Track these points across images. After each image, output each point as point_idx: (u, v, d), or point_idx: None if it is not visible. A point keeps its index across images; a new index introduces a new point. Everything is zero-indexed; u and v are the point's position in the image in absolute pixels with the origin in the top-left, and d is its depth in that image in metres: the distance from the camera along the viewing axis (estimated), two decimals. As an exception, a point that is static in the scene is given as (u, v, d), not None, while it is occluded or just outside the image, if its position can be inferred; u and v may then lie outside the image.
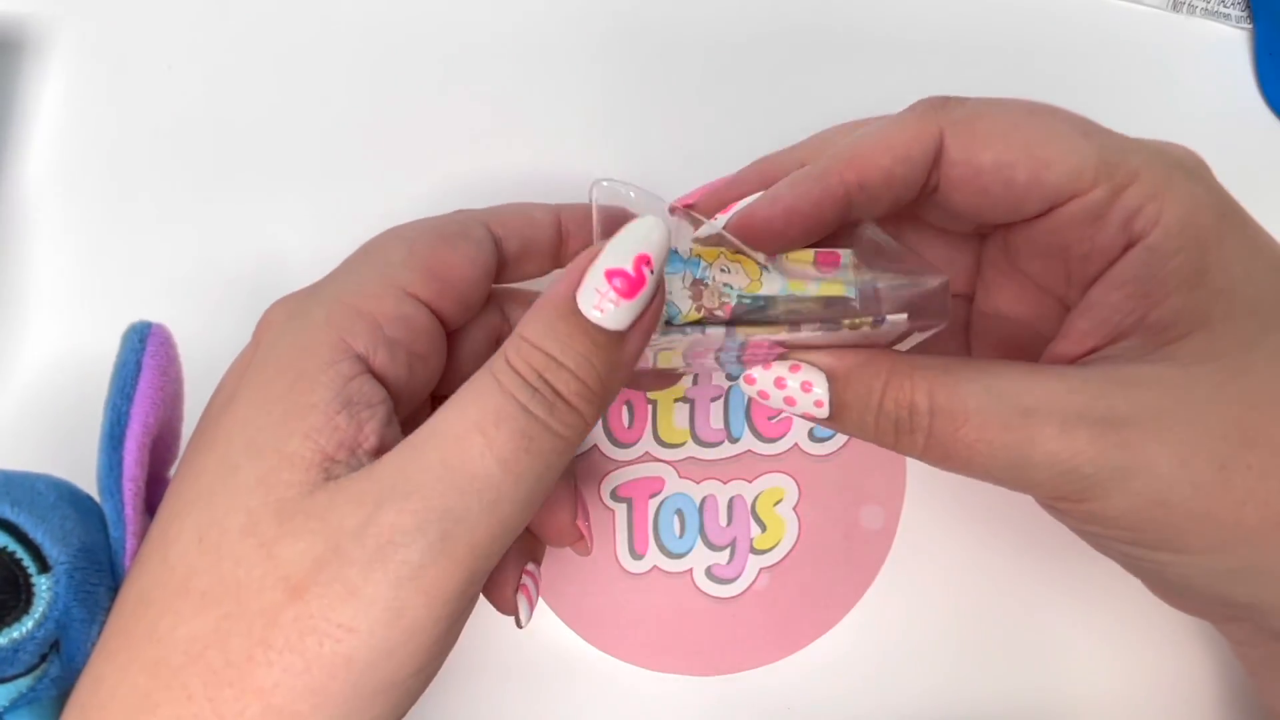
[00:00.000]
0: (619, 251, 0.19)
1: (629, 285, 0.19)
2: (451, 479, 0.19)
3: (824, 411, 0.22)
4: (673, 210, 0.24)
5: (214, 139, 0.35)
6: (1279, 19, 0.35)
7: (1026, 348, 0.25)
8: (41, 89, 0.35)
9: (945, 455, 0.21)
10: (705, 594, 0.32)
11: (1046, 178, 0.21)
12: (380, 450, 0.20)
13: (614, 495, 0.32)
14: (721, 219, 0.23)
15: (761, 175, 0.24)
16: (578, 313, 0.19)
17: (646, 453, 0.32)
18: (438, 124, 0.35)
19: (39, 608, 0.20)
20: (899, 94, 0.36)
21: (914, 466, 0.33)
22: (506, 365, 0.19)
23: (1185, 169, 0.22)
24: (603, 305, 0.19)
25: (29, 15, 0.35)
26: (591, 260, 0.19)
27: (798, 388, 0.22)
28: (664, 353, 0.23)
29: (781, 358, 0.22)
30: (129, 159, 0.35)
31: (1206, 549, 0.20)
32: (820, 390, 0.22)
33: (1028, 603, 0.32)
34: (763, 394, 0.23)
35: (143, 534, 0.22)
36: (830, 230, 0.23)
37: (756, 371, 0.23)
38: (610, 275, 0.19)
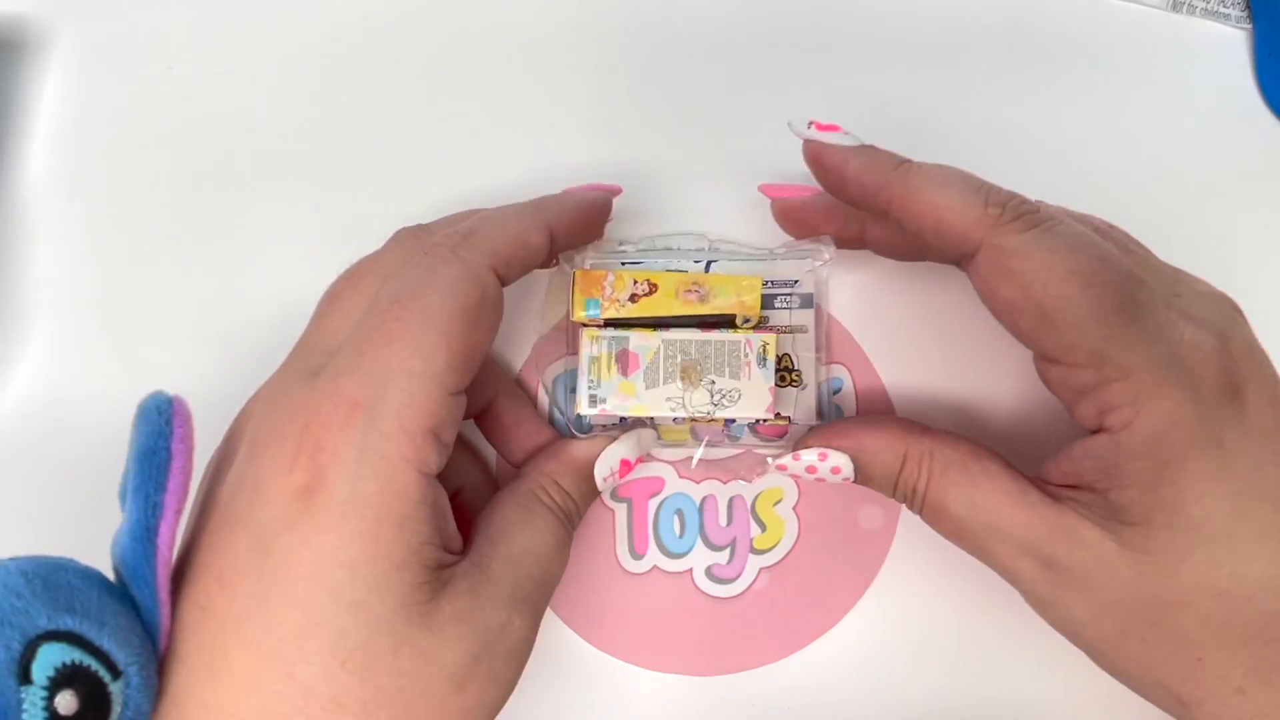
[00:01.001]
0: (629, 447, 0.29)
1: (626, 469, 0.30)
2: (535, 563, 0.26)
3: (851, 479, 0.28)
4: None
5: (214, 139, 0.35)
6: (1279, 19, 0.35)
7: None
8: (41, 89, 0.35)
9: (935, 528, 0.27)
10: (705, 594, 0.32)
11: (1043, 340, 0.24)
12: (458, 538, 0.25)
13: (614, 495, 0.32)
14: (809, 131, 0.28)
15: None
16: (591, 477, 0.29)
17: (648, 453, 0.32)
18: (439, 123, 0.35)
19: (115, 712, 0.20)
20: (899, 93, 0.36)
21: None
22: (544, 490, 0.28)
23: (1183, 373, 0.23)
24: (608, 478, 0.29)
25: (29, 15, 0.35)
26: (608, 444, 0.29)
27: (828, 471, 0.28)
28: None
29: (806, 447, 0.29)
30: (129, 159, 0.35)
31: (1104, 667, 0.25)
32: (848, 472, 0.28)
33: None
34: (795, 477, 0.31)
35: (171, 616, 0.22)
36: (867, 210, 0.28)
37: (787, 461, 0.29)
38: (622, 462, 0.29)
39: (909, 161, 0.26)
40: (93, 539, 0.32)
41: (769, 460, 0.29)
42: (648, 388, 0.29)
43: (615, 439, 0.29)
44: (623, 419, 0.30)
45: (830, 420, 0.31)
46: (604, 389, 0.29)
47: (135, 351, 0.33)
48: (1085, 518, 0.24)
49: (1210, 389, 0.23)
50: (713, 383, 0.29)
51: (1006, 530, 0.25)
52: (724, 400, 0.29)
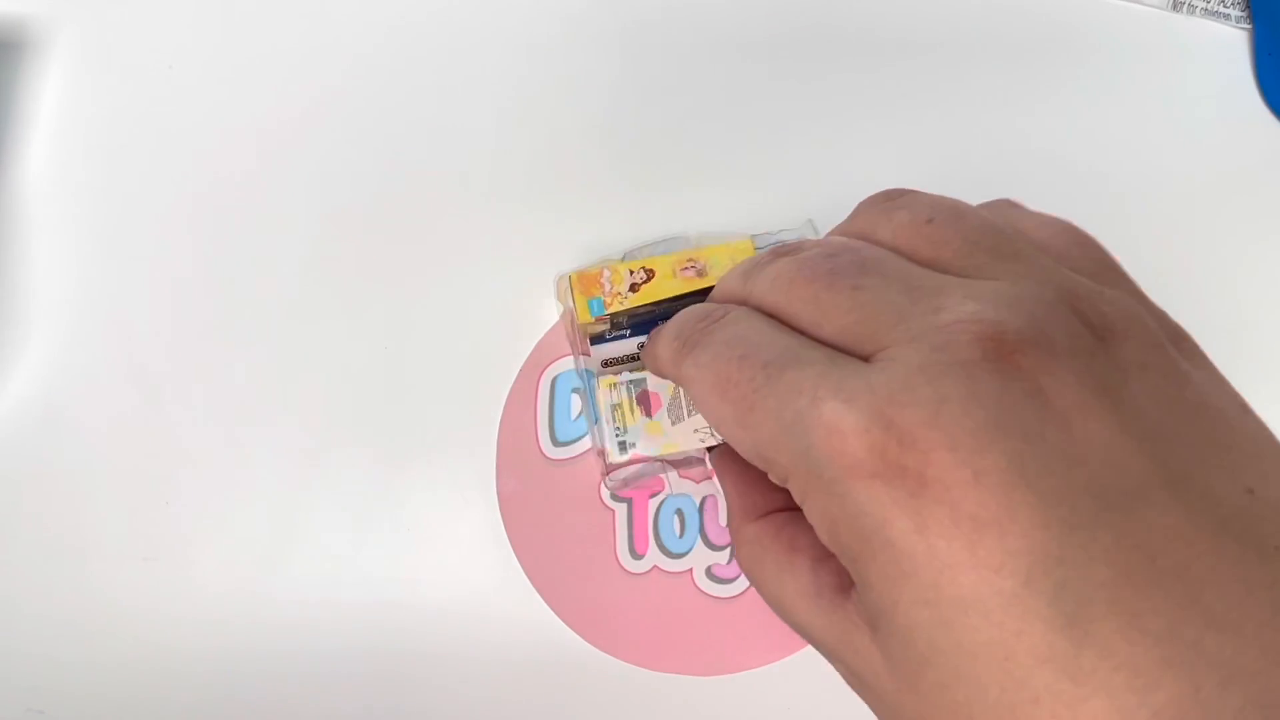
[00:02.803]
0: None
1: None
2: None
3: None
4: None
5: (214, 139, 0.35)
6: (1279, 19, 0.35)
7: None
8: (41, 89, 0.35)
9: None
10: (705, 594, 0.32)
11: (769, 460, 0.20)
12: None
13: (614, 495, 0.32)
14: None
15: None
16: None
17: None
18: (438, 123, 0.35)
19: None
20: (899, 94, 0.36)
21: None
22: None
23: (825, 477, 0.18)
24: None
25: (29, 15, 0.35)
26: None
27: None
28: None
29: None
30: (129, 159, 0.35)
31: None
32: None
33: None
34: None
35: None
36: None
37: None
38: None
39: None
40: (93, 539, 0.32)
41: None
42: (674, 423, 0.29)
43: None
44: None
45: None
46: (630, 434, 0.29)
47: (135, 351, 0.33)
48: (862, 618, 0.19)
49: (840, 475, 0.19)
50: None
51: (810, 635, 0.21)
52: None
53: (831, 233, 0.23)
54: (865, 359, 0.19)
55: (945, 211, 0.21)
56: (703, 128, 0.35)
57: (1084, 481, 0.17)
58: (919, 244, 0.21)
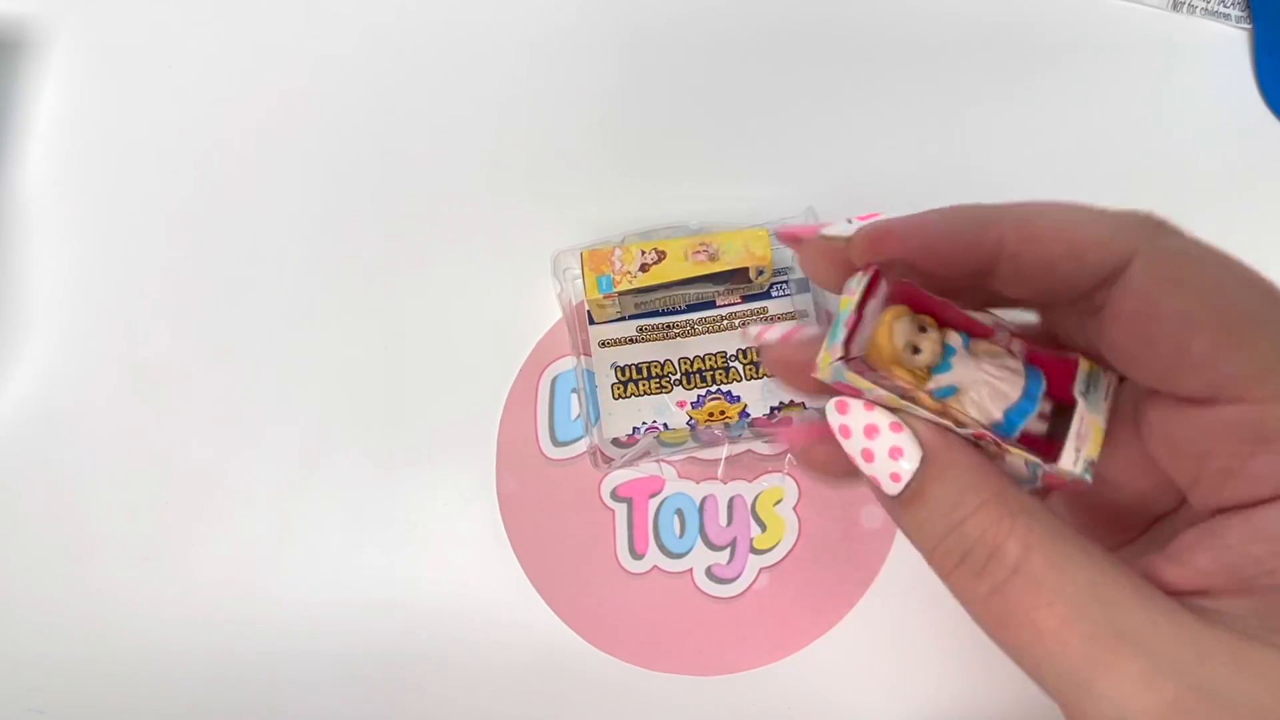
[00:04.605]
0: None
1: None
2: None
3: (896, 488, 0.19)
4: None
5: (214, 138, 0.35)
6: (1279, 19, 0.35)
7: (1120, 517, 0.21)
8: (41, 89, 0.35)
9: (1002, 621, 0.18)
10: (705, 594, 0.32)
11: (1226, 364, 0.17)
12: None
13: (614, 495, 0.32)
14: (852, 226, 0.20)
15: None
16: None
17: (646, 452, 0.32)
18: (437, 121, 0.35)
19: None
20: (899, 93, 0.36)
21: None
22: None
23: None
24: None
25: (29, 15, 0.35)
26: None
27: (885, 449, 0.19)
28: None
29: (894, 411, 0.19)
30: (129, 159, 0.35)
31: None
32: (908, 465, 0.18)
33: (1028, 603, 0.32)
34: (844, 430, 0.19)
35: None
36: (955, 285, 0.19)
37: (854, 405, 0.19)
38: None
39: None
40: (92, 538, 0.32)
41: (836, 400, 0.19)
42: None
43: None
44: (635, 429, 0.31)
45: None
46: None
47: (135, 351, 0.33)
48: (1251, 638, 0.17)
49: None
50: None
51: (1149, 642, 0.17)
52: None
53: None
54: None
55: None
56: (704, 121, 0.35)
57: None
58: None
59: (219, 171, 0.34)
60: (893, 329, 0.19)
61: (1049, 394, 0.19)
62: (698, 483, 0.32)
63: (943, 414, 0.19)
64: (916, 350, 0.19)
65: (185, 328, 0.33)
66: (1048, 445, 0.19)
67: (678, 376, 0.31)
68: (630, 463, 0.32)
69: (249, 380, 0.33)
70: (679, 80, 0.35)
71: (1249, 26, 0.36)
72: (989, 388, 0.19)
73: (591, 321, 0.31)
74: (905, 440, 0.19)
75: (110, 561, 0.31)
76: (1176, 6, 0.36)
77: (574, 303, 0.31)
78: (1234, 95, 0.36)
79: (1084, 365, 0.19)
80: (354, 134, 0.35)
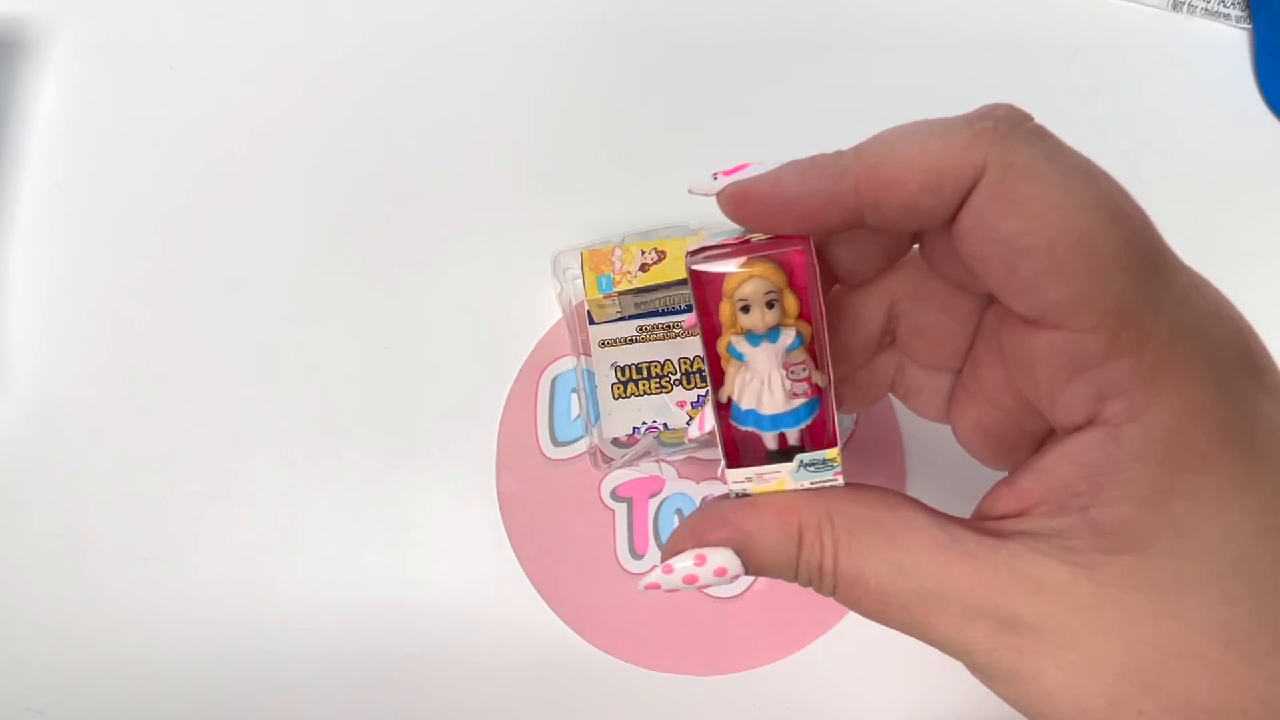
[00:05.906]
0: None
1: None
2: None
3: (742, 577, 0.21)
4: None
5: (214, 138, 0.35)
6: (1279, 19, 0.35)
7: (1005, 436, 0.22)
8: (41, 89, 0.35)
9: (855, 611, 0.21)
10: (705, 594, 0.32)
11: (1049, 290, 0.18)
12: None
13: (614, 495, 0.32)
14: (718, 183, 0.21)
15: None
16: None
17: (646, 452, 0.32)
18: (437, 122, 0.35)
19: None
20: (899, 93, 0.36)
21: (914, 464, 0.33)
22: None
23: (1210, 349, 0.17)
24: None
25: (29, 15, 0.35)
26: None
27: (711, 575, 0.21)
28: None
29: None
30: (129, 159, 0.35)
31: None
32: (735, 569, 0.21)
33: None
34: (674, 592, 0.23)
35: None
36: (834, 231, 0.20)
37: (659, 578, 0.21)
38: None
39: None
40: (93, 538, 0.32)
41: (647, 583, 0.22)
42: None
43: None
44: (635, 429, 0.31)
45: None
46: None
47: (135, 351, 0.33)
48: (1047, 555, 0.18)
49: (1236, 372, 0.18)
50: None
51: (948, 593, 0.19)
52: None
53: None
54: None
55: None
56: (704, 121, 0.35)
57: None
58: None
59: (219, 171, 0.34)
60: (742, 280, 0.19)
61: (801, 443, 0.21)
62: (698, 483, 0.32)
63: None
64: (746, 309, 0.19)
65: (186, 328, 0.33)
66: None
67: (678, 376, 0.31)
68: (630, 463, 0.32)
69: (250, 380, 0.33)
70: (679, 80, 0.35)
71: (1249, 27, 0.36)
72: (760, 387, 0.20)
73: (591, 321, 0.31)
74: (718, 559, 0.21)
75: (111, 561, 0.31)
76: (1176, 6, 0.36)
77: (574, 303, 0.31)
78: (1234, 95, 0.36)
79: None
80: (354, 134, 0.35)
